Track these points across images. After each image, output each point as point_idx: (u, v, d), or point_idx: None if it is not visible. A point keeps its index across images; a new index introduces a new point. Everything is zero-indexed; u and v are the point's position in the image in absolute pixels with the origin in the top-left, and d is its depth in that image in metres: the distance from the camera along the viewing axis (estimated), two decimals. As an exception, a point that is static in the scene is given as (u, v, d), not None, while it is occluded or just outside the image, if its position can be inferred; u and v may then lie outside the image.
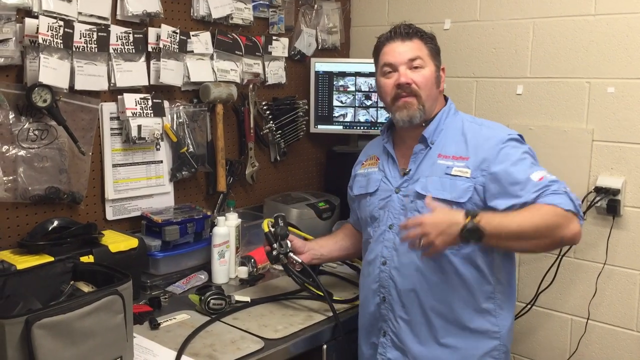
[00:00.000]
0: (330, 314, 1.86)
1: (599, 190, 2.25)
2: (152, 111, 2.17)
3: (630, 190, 2.23)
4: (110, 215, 2.15)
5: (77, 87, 2.00)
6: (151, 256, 2.07)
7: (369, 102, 2.70)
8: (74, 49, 1.96)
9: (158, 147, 2.25)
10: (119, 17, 2.11)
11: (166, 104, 2.25)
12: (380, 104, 2.68)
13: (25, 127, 1.91)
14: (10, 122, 1.88)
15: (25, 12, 1.87)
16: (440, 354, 1.73)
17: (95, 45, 2.02)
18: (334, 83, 2.71)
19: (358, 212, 1.94)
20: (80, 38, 1.98)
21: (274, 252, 1.88)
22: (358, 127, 2.72)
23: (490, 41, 2.52)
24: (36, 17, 1.86)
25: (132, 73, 2.14)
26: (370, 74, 2.67)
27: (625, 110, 2.21)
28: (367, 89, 2.69)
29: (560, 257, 2.36)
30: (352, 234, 2.08)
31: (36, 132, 1.94)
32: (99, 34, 2.03)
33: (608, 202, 2.24)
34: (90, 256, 1.83)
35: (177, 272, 2.14)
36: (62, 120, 1.95)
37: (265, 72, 2.61)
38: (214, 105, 2.39)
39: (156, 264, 2.08)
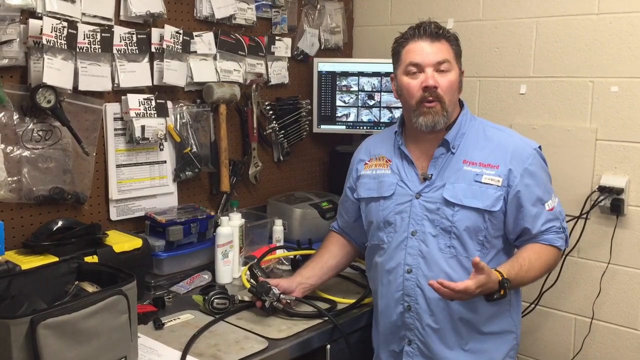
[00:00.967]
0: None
1: (602, 189, 2.25)
2: (155, 111, 2.18)
3: (634, 190, 2.22)
4: (114, 216, 2.16)
5: (81, 87, 2.00)
6: (155, 256, 2.07)
7: (371, 102, 2.70)
8: (77, 50, 1.97)
9: (161, 147, 2.26)
10: (122, 18, 2.11)
11: (169, 104, 2.26)
12: (384, 104, 2.68)
13: (29, 127, 1.92)
14: (15, 122, 1.89)
15: (29, 13, 1.87)
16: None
17: (99, 46, 2.02)
18: (337, 83, 2.71)
19: (364, 215, 1.89)
20: (84, 39, 1.98)
21: (267, 304, 1.83)
22: (361, 127, 2.72)
23: (493, 40, 2.52)
24: (40, 18, 1.86)
25: (135, 73, 2.15)
26: (373, 74, 2.67)
27: (628, 109, 2.21)
28: (370, 89, 2.69)
29: (564, 256, 2.36)
30: (340, 246, 2.03)
31: (40, 133, 1.94)
32: (103, 34, 2.03)
33: (612, 202, 2.23)
34: (95, 256, 1.84)
35: (181, 272, 2.14)
36: (66, 121, 1.95)
37: (268, 72, 2.61)
38: (217, 106, 2.39)
39: (160, 264, 2.09)
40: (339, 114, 2.73)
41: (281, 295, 1.85)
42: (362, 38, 2.99)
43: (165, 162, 2.29)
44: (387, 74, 2.64)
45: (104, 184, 2.13)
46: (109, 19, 2.07)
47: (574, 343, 2.40)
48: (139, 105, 2.14)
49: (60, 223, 1.93)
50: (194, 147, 2.34)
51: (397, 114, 2.67)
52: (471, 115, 1.83)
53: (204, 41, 2.34)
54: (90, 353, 1.38)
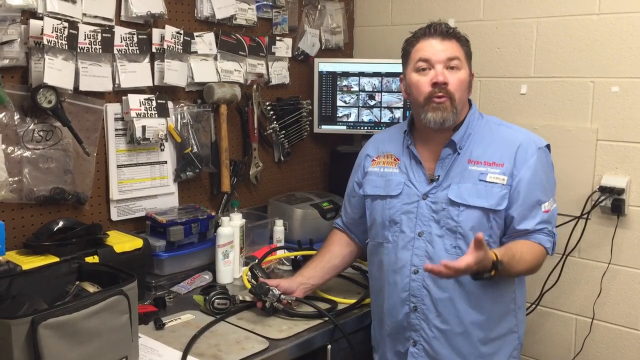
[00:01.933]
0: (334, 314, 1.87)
1: (603, 189, 2.25)
2: (156, 112, 2.18)
3: (634, 190, 2.22)
4: (114, 216, 2.16)
5: (82, 88, 2.01)
6: (156, 256, 2.07)
7: (372, 102, 2.70)
8: (78, 50, 1.97)
9: (162, 147, 2.26)
10: (123, 18, 2.11)
11: (170, 104, 2.26)
12: (384, 104, 2.68)
13: (30, 128, 1.92)
14: (16, 123, 1.89)
15: (30, 14, 1.87)
16: None
17: (100, 47, 2.02)
18: (338, 83, 2.71)
19: (369, 212, 1.88)
20: (85, 39, 1.98)
21: (267, 305, 1.83)
22: (362, 127, 2.72)
23: (494, 41, 2.52)
24: (41, 19, 1.86)
25: (136, 74, 2.15)
26: (374, 74, 2.67)
27: (629, 109, 2.21)
28: (370, 89, 2.69)
29: (564, 256, 2.36)
30: (343, 245, 2.02)
31: (41, 133, 1.94)
32: (104, 35, 2.03)
33: (613, 202, 2.23)
34: (95, 256, 1.84)
35: (181, 273, 2.14)
36: (67, 121, 1.95)
37: (268, 72, 2.61)
38: (218, 106, 2.39)
39: (161, 264, 2.09)
40: (339, 114, 2.73)
41: (281, 296, 1.85)
42: (363, 38, 2.99)
43: (165, 162, 2.29)
44: (387, 74, 2.65)
45: (105, 184, 2.13)
46: (109, 20, 2.07)
47: (574, 343, 2.40)
48: (140, 106, 2.14)
49: (61, 223, 1.94)
50: (195, 147, 2.35)
51: (398, 114, 2.68)
52: (479, 114, 1.82)
53: (205, 41, 2.34)
54: (91, 353, 1.39)
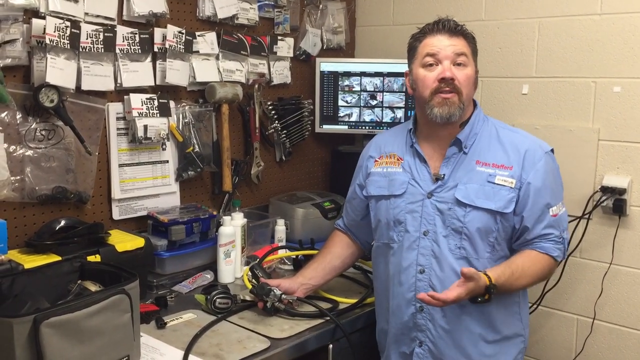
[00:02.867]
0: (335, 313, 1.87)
1: (605, 189, 2.25)
2: (158, 111, 2.18)
3: (636, 190, 2.22)
4: (116, 215, 2.16)
5: (84, 87, 2.01)
6: (157, 256, 2.07)
7: (374, 102, 2.70)
8: (80, 50, 1.97)
9: (164, 147, 2.26)
10: (125, 18, 2.12)
11: (172, 104, 2.26)
12: (386, 104, 2.68)
13: (32, 127, 1.92)
14: (18, 122, 1.89)
15: (32, 13, 1.88)
16: None
17: (102, 46, 2.02)
18: (339, 83, 2.71)
19: (373, 213, 1.87)
20: (87, 38, 1.98)
21: (269, 305, 1.83)
22: (363, 127, 2.72)
23: (495, 41, 2.52)
24: (43, 18, 1.86)
25: (138, 73, 2.15)
26: (375, 74, 2.67)
27: (631, 109, 2.21)
28: (372, 89, 2.69)
29: (566, 257, 2.36)
30: (344, 246, 2.01)
31: (43, 132, 1.94)
32: (106, 34, 2.03)
33: (614, 202, 2.23)
34: (97, 256, 1.84)
35: (183, 272, 2.15)
36: (69, 120, 1.96)
37: (270, 72, 2.61)
38: (220, 105, 2.40)
39: (162, 264, 2.09)
40: (341, 114, 2.73)
41: (283, 296, 1.85)
42: (365, 38, 2.99)
43: (167, 161, 2.29)
44: (389, 74, 2.65)
45: (107, 183, 2.14)
46: (111, 19, 2.07)
47: (575, 343, 2.40)
48: (142, 105, 2.14)
49: (62, 222, 1.94)
50: (197, 146, 2.35)
51: (399, 114, 2.68)
52: (484, 115, 1.82)
53: (207, 41, 2.34)
54: (93, 352, 1.39)
